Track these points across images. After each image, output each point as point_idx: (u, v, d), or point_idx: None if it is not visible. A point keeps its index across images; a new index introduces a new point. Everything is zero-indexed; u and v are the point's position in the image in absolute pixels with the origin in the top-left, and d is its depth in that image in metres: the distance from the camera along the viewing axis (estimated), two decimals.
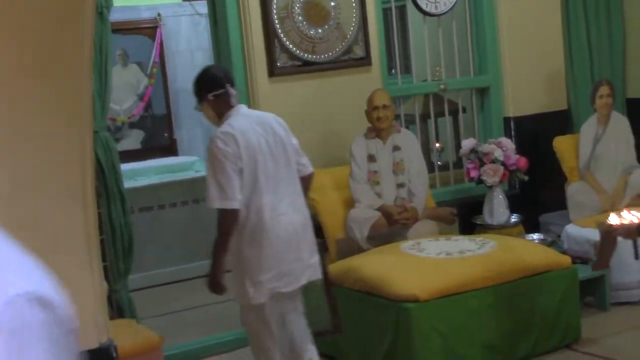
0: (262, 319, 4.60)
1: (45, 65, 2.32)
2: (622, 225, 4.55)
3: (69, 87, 2.37)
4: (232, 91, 4.70)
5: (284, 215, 4.61)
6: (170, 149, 9.50)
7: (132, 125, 9.36)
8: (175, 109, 9.59)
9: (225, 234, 4.51)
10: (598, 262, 5.00)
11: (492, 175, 6.59)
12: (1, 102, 2.28)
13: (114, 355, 2.57)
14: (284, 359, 4.68)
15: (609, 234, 4.69)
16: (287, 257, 4.58)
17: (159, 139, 9.60)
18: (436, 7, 7.01)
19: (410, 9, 7.16)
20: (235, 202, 4.46)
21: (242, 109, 4.75)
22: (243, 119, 4.65)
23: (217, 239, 4.52)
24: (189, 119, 9.63)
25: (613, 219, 4.59)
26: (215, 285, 4.60)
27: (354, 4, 6.45)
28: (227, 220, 4.49)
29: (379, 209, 5.93)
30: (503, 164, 6.60)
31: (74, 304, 2.38)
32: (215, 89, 4.68)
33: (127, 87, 9.14)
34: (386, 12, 7.02)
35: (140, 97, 9.22)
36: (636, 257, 5.54)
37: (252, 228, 4.53)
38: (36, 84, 2.32)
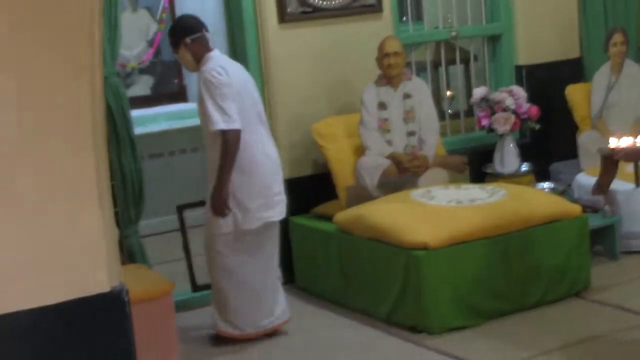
0: (239, 246, 5.08)
1: (54, 11, 2.30)
2: (623, 149, 4.53)
3: (78, 32, 2.34)
4: (208, 35, 5.20)
5: (271, 150, 5.17)
6: (179, 95, 9.46)
7: (142, 71, 9.31)
8: None
9: (232, 155, 4.88)
10: (597, 186, 4.98)
11: (503, 123, 6.55)
12: (10, 48, 2.26)
13: (126, 299, 2.57)
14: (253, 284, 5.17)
15: (610, 159, 4.67)
16: (274, 188, 5.13)
17: (169, 85, 9.56)
18: None
19: None
20: (237, 122, 4.90)
21: (218, 52, 5.19)
22: (226, 60, 5.19)
23: (224, 161, 4.88)
24: None
25: (613, 142, 4.58)
26: (223, 204, 4.95)
27: None
28: (233, 140, 4.89)
29: (389, 157, 5.91)
30: (514, 112, 6.56)
31: (85, 248, 2.38)
32: (192, 33, 5.14)
33: (136, 33, 9.08)
34: None
35: (150, 43, 9.16)
36: (637, 185, 5.55)
37: (243, 158, 4.95)
38: (45, 30, 2.30)
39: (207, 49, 5.11)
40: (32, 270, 2.32)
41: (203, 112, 4.98)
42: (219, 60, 5.07)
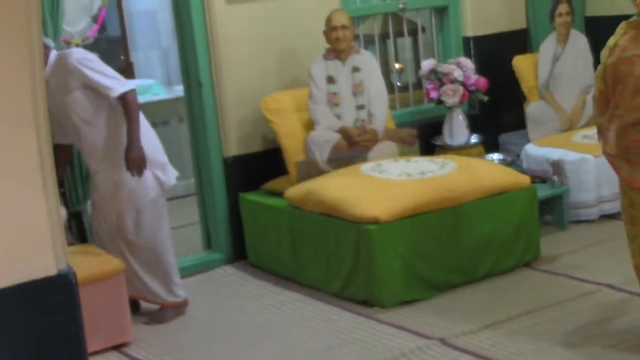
0: (163, 208, 5.16)
1: None
2: None
3: (15, 6, 2.29)
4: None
5: None
6: (127, 72, 9.33)
7: (87, 48, 9.09)
8: (130, 31, 9.41)
9: (137, 112, 4.95)
10: None
11: (451, 95, 6.57)
12: None
13: (73, 281, 2.53)
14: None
15: None
16: None
17: (115, 62, 9.42)
18: None
19: None
20: (130, 82, 5.03)
21: None
22: None
23: (132, 120, 4.91)
24: (146, 41, 9.47)
25: None
26: (143, 161, 4.92)
27: None
28: (135, 98, 4.95)
29: (338, 131, 5.90)
30: (463, 84, 6.58)
31: (29, 232, 2.34)
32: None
33: (80, 9, 8.93)
34: None
35: (94, 19, 9.01)
36: None
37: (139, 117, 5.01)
38: None
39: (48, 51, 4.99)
40: None
41: (83, 95, 4.96)
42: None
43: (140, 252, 5.17)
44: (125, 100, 4.92)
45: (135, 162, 4.91)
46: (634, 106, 3.97)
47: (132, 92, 4.95)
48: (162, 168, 5.17)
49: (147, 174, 5.01)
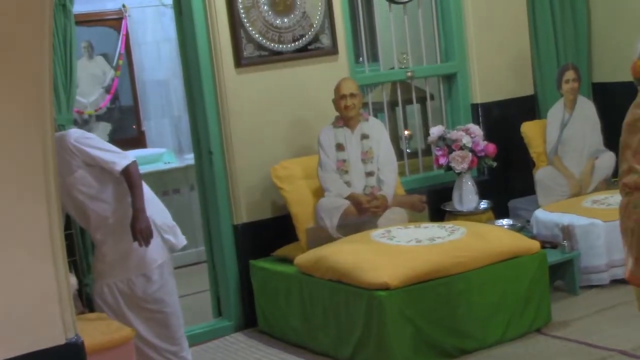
0: (171, 272, 5.19)
1: (2, 59, 2.28)
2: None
3: (27, 80, 2.33)
4: None
5: None
6: (138, 141, 9.44)
7: (100, 118, 9.28)
8: (142, 100, 9.52)
9: (141, 183, 5.00)
10: None
11: (460, 161, 6.59)
12: None
13: (82, 350, 2.53)
14: None
15: None
16: None
17: (127, 131, 9.53)
18: None
19: None
20: (131, 154, 5.09)
21: None
22: None
23: (136, 191, 4.95)
24: (157, 111, 9.57)
25: None
26: (150, 229, 4.93)
27: None
28: (137, 169, 5.00)
29: (348, 198, 5.92)
30: (471, 150, 6.61)
31: (37, 301, 2.34)
32: None
33: (93, 79, 9.06)
34: (352, 0, 6.98)
35: (107, 89, 9.14)
36: None
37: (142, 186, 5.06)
38: None
39: None
40: None
41: (86, 173, 4.98)
42: None
43: (149, 317, 5.15)
44: (129, 173, 4.97)
45: (143, 232, 4.93)
46: None
47: (134, 164, 5.01)
48: (172, 231, 5.20)
49: (155, 240, 5.04)
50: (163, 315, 5.18)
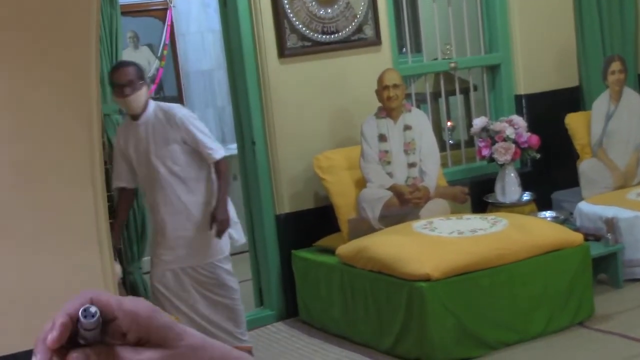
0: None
1: (51, 50, 2.32)
2: None
3: (75, 71, 2.37)
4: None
5: None
6: None
7: None
8: (186, 90, 9.58)
9: (231, 176, 5.39)
10: None
11: (503, 153, 6.56)
12: (11, 88, 2.28)
13: None
14: None
15: None
16: None
17: None
18: None
19: None
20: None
21: None
22: None
23: (226, 182, 5.18)
24: (201, 101, 9.63)
25: None
26: (229, 220, 5.13)
27: None
28: (228, 164, 5.25)
29: (390, 189, 5.92)
30: (515, 142, 6.57)
31: (83, 287, 2.39)
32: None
33: None
34: None
35: (152, 80, 9.19)
36: None
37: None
38: (42, 70, 2.32)
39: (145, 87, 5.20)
40: (29, 311, 2.32)
41: (179, 150, 5.11)
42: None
43: (217, 301, 5.25)
44: (223, 164, 5.16)
45: (223, 223, 5.09)
46: None
47: (226, 159, 5.23)
48: (235, 227, 5.32)
49: (231, 231, 5.21)
50: (231, 301, 5.30)
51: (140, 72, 5.15)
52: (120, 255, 5.63)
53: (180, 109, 5.20)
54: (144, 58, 9.29)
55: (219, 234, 5.12)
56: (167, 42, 9.02)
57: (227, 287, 5.29)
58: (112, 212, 5.13)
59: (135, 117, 5.13)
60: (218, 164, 5.14)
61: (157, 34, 9.25)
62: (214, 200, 5.14)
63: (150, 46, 9.26)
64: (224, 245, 5.25)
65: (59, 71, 2.36)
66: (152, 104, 5.16)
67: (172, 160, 5.09)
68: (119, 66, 5.16)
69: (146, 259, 5.92)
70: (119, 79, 5.03)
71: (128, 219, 5.68)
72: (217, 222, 5.08)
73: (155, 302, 5.22)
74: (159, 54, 9.11)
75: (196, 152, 5.11)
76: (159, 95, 9.46)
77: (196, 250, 5.19)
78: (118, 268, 5.18)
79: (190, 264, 5.18)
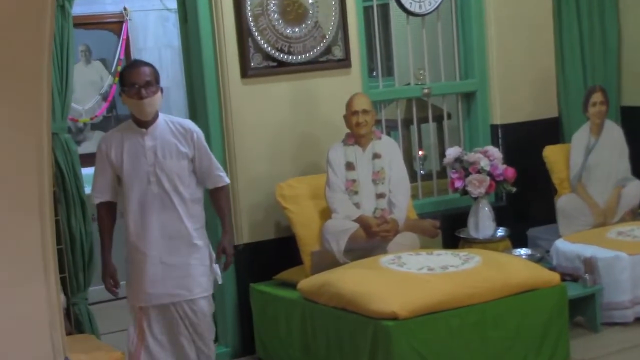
0: None
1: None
2: None
3: (24, 85, 2.34)
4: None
5: None
6: None
7: (95, 127, 9.30)
8: None
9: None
10: None
11: (477, 186, 6.60)
12: None
13: None
14: None
15: None
16: None
17: None
18: (420, 7, 7.03)
19: (393, 8, 7.17)
20: None
21: None
22: None
23: (229, 211, 5.35)
24: None
25: None
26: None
27: (333, 2, 6.45)
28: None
29: (357, 220, 5.92)
30: (489, 174, 6.61)
31: (27, 320, 2.35)
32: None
33: (89, 86, 9.09)
34: (367, 11, 7.01)
35: (104, 97, 9.17)
36: None
37: None
38: None
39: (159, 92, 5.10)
40: None
41: (186, 167, 5.06)
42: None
43: (198, 338, 5.17)
44: (227, 190, 5.25)
45: (231, 256, 5.15)
46: None
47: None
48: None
49: (215, 266, 5.17)
50: (207, 338, 5.24)
51: (157, 74, 5.04)
52: (64, 284, 5.56)
53: (195, 126, 5.17)
54: (96, 73, 9.27)
55: (227, 267, 5.18)
56: (122, 57, 9.00)
57: (207, 323, 5.20)
58: (100, 232, 5.08)
59: (142, 124, 5.01)
60: (223, 189, 5.18)
61: (111, 48, 9.24)
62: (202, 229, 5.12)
63: (103, 61, 9.24)
64: (213, 279, 5.19)
65: (7, 84, 2.34)
66: (162, 117, 5.09)
67: (179, 177, 5.01)
68: (136, 65, 5.04)
69: (93, 288, 5.87)
70: (137, 79, 4.90)
71: (74, 245, 5.63)
72: (227, 254, 5.11)
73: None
74: (112, 70, 9.09)
75: (195, 174, 5.08)
76: (111, 113, 9.42)
77: (180, 281, 5.04)
78: (62, 298, 5.13)
79: (176, 300, 5.06)
